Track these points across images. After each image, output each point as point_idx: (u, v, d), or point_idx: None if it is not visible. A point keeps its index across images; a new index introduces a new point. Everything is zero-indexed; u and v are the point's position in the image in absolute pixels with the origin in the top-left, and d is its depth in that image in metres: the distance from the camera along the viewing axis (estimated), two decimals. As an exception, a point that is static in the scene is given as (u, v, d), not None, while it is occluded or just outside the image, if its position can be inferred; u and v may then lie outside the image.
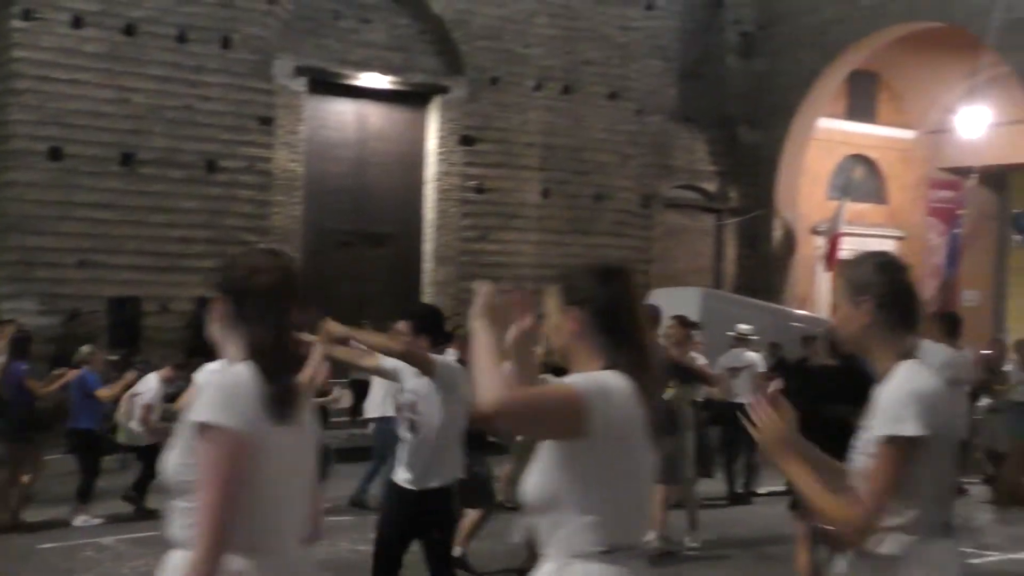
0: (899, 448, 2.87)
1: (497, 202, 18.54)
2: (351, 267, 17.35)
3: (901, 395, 2.92)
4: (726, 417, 11.49)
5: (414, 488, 5.65)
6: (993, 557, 9.43)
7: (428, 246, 18.25)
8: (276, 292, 2.88)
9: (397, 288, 17.46)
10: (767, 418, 3.03)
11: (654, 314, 10.30)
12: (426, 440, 5.67)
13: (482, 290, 2.93)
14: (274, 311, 2.87)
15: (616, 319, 2.88)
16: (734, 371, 12.27)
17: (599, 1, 19.35)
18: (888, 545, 2.92)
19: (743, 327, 12.62)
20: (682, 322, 10.22)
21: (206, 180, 16.18)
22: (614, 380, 2.75)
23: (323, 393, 11.03)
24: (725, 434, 12.10)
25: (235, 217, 16.35)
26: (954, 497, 3.22)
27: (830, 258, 21.29)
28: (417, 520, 5.67)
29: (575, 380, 2.74)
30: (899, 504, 2.91)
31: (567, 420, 2.68)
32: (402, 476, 5.72)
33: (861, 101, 23.41)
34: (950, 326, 10.15)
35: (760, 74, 21.31)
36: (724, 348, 12.58)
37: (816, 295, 22.18)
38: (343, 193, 17.70)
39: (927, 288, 23.01)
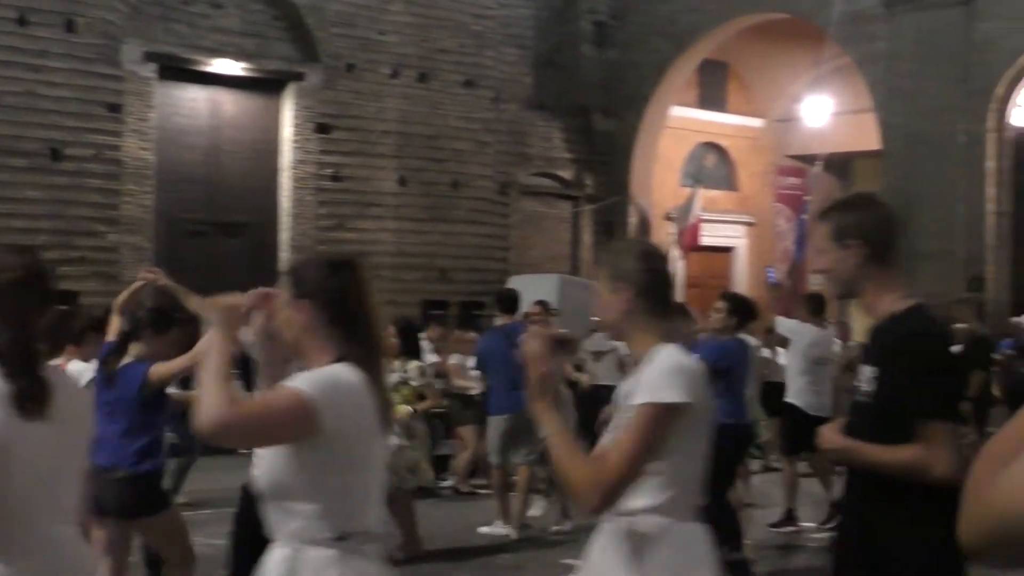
0: (657, 413, 2.88)
1: (354, 190, 18.40)
2: (205, 257, 16.99)
3: (663, 369, 2.95)
4: (590, 400, 11.66)
5: None
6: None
7: (284, 235, 18.01)
8: (18, 290, 2.84)
9: (253, 278, 17.14)
10: (536, 360, 2.99)
11: (513, 299, 10.41)
12: None
13: (223, 300, 2.95)
14: (15, 310, 2.83)
15: (345, 311, 2.91)
16: (598, 355, 12.46)
17: (454, -12, 19.35)
18: (640, 525, 2.92)
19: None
20: (544, 306, 10.39)
21: (51, 169, 15.64)
22: (344, 374, 2.79)
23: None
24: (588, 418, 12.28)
25: (82, 207, 15.86)
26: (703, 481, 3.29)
27: (688, 244, 21.77)
28: None
29: (301, 383, 2.75)
30: (654, 485, 2.91)
31: (295, 427, 2.71)
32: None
33: (712, 90, 23.96)
34: (816, 306, 10.43)
35: (614, 63, 21.60)
36: (582, 333, 12.75)
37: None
38: (196, 182, 17.32)
39: (778, 272, 23.70)
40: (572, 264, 21.17)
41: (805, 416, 9.63)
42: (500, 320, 10.59)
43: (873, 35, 18.66)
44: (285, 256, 18.01)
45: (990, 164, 17.89)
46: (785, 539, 9.72)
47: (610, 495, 2.84)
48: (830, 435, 3.27)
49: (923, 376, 3.06)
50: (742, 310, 8.27)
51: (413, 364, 8.79)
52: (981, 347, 11.76)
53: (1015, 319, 15.21)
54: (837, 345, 12.60)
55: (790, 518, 9.92)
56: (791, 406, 9.98)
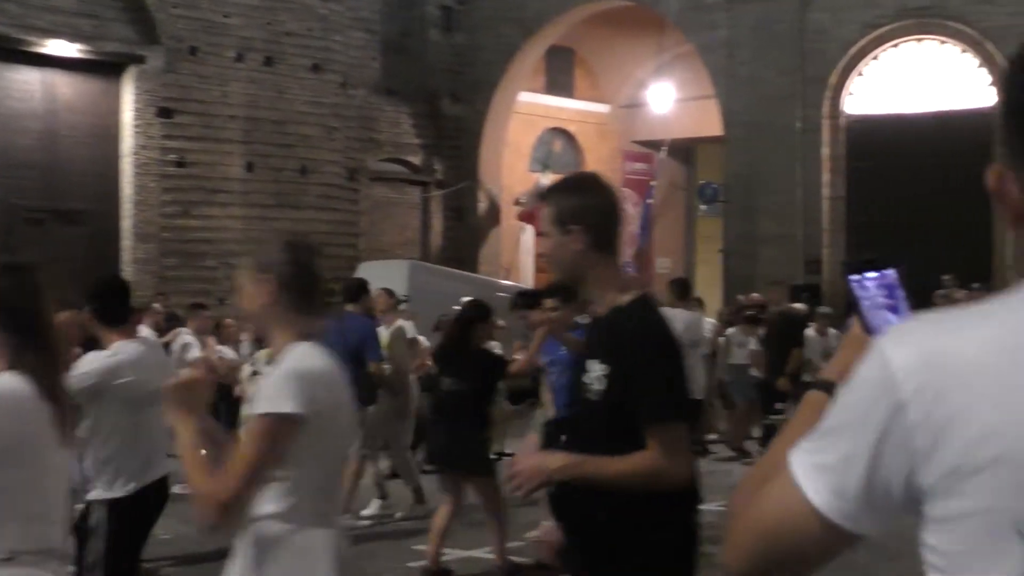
0: (272, 425, 2.79)
1: (199, 176, 18.01)
2: (43, 246, 16.41)
3: (283, 375, 2.86)
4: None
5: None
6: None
7: (127, 223, 17.52)
8: None
9: (94, 267, 16.66)
10: (181, 379, 2.99)
11: (358, 288, 10.35)
12: None
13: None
14: None
15: (15, 317, 2.87)
16: None
17: (299, -29, 19.08)
18: (262, 531, 2.87)
19: (467, 300, 12.83)
20: (388, 293, 10.36)
21: None
22: (9, 383, 2.80)
23: None
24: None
25: (-92, 194, 15.16)
26: (338, 486, 3.26)
27: (532, 223, 21.96)
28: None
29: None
30: (277, 492, 2.85)
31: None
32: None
33: (559, 76, 24.21)
34: (681, 290, 10.59)
35: (462, 48, 21.63)
36: (434, 319, 12.75)
37: (520, 265, 22.82)
38: (31, 168, 16.69)
39: (624, 256, 24.10)
40: (423, 250, 21.16)
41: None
42: (348, 308, 10.53)
43: (714, 24, 19.12)
44: (128, 244, 17.54)
45: (825, 151, 18.53)
46: None
47: (227, 511, 2.74)
48: (541, 462, 3.01)
49: (656, 376, 2.93)
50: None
51: (263, 352, 8.62)
52: (794, 325, 12.15)
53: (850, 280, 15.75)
54: (708, 326, 12.94)
55: None
56: None
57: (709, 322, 14.33)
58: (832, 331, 12.21)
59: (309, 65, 19.29)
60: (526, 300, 9.01)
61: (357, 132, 20.15)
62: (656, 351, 2.97)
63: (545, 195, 3.26)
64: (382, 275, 13.01)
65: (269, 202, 18.72)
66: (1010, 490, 1.10)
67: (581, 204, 3.06)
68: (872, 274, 1.39)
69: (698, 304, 14.54)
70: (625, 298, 3.03)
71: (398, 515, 9.77)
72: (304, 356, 2.90)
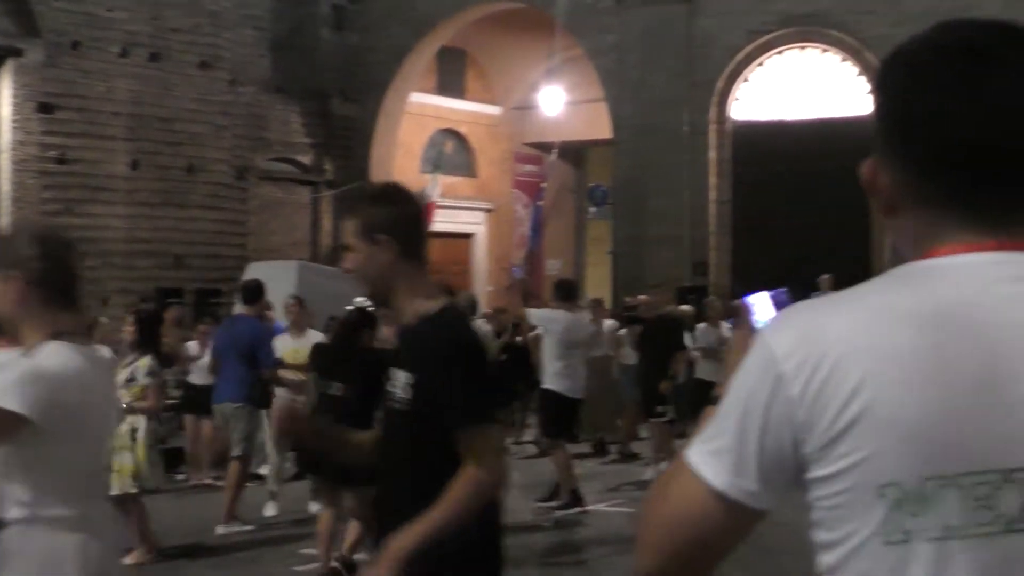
0: None
1: (82, 173, 17.58)
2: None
3: (17, 373, 2.77)
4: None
5: None
6: (596, 508, 10.15)
7: (5, 220, 17.01)
8: None
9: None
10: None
11: (256, 290, 10.23)
12: None
13: None
14: None
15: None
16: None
17: (187, -34, 18.76)
18: (5, 536, 2.80)
19: (359, 300, 12.74)
20: (300, 302, 10.36)
21: None
22: None
23: None
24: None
25: None
26: (100, 491, 3.23)
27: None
28: None
29: None
30: (20, 496, 2.79)
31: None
32: None
33: (450, 77, 24.22)
34: (567, 292, 10.71)
35: (353, 47, 21.50)
36: (323, 320, 12.64)
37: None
38: (-97, 163, 16.14)
39: (515, 257, 24.24)
40: (312, 251, 20.97)
41: (563, 399, 10.03)
42: (242, 310, 10.42)
43: (603, 28, 19.32)
44: (5, 243, 17.02)
45: (712, 155, 18.87)
46: (574, 518, 9.91)
47: None
48: (386, 559, 2.82)
49: (461, 382, 2.90)
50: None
51: (143, 361, 8.40)
52: (674, 328, 12.35)
53: (735, 302, 16.11)
54: (590, 329, 13.04)
55: (576, 499, 10.10)
56: (549, 391, 10.25)
57: (610, 323, 14.52)
58: (724, 323, 12.40)
59: (197, 62, 18.98)
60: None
61: (246, 130, 19.89)
62: (460, 358, 2.93)
63: (348, 208, 3.22)
64: (271, 276, 12.85)
65: (155, 200, 18.36)
66: (873, 447, 1.21)
67: (388, 214, 3.02)
68: (764, 293, 1.53)
69: (596, 305, 14.74)
70: (432, 307, 3.00)
71: (285, 519, 9.68)
72: (50, 356, 2.79)
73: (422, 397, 2.92)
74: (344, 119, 21.56)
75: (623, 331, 14.07)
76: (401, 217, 3.04)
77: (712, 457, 1.30)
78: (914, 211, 1.32)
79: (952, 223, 1.29)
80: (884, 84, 1.34)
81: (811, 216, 17.67)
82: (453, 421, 2.88)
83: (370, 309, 8.36)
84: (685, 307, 14.20)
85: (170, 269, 18.45)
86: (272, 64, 20.40)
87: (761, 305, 1.54)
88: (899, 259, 1.36)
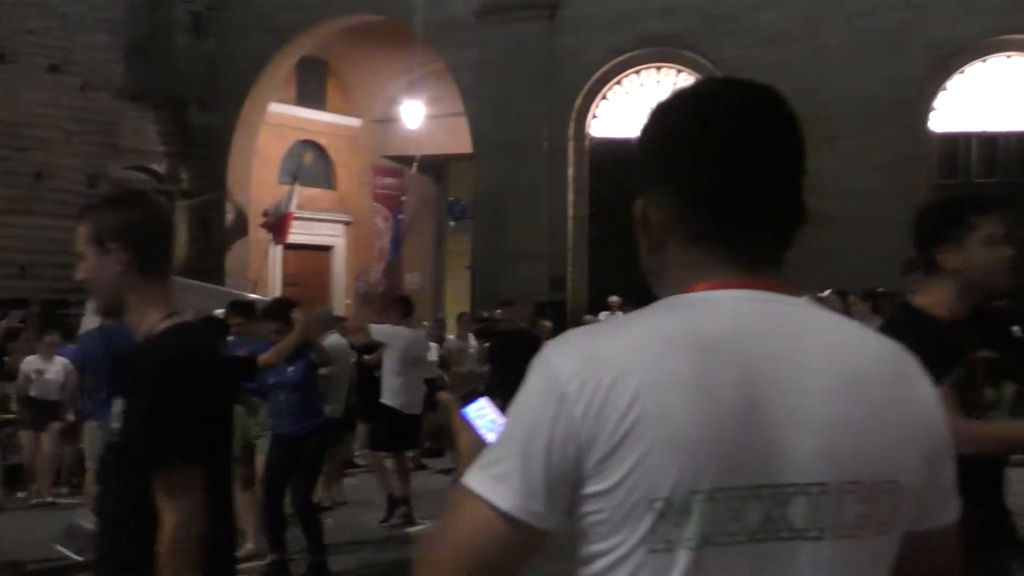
0: None
1: (-79, 178, 16.89)
2: None
3: None
4: None
5: None
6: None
7: None
8: None
9: None
10: None
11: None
12: None
13: None
14: None
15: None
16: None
17: (37, -33, 18.20)
18: None
19: (218, 312, 12.54)
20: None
21: None
22: None
23: None
24: None
25: None
26: None
27: (279, 237, 21.75)
28: None
29: None
30: None
31: None
32: None
33: (310, 88, 24.00)
34: (405, 308, 10.75)
35: (211, 55, 21.15)
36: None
37: (268, 278, 22.46)
38: None
39: (374, 271, 24.13)
40: (166, 261, 20.51)
41: (400, 415, 10.03)
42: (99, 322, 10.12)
43: (464, 42, 19.41)
44: None
45: (570, 171, 19.11)
46: (392, 532, 9.87)
47: None
48: None
49: (166, 413, 2.56)
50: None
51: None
52: (532, 345, 12.48)
53: (589, 317, 16.33)
54: (432, 346, 13.11)
55: (405, 513, 10.06)
56: (386, 407, 10.24)
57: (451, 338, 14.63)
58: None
59: (46, 65, 18.42)
60: (238, 310, 8.96)
61: (98, 137, 19.37)
62: (172, 387, 2.57)
63: (79, 214, 2.90)
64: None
65: (1, 208, 17.74)
66: (645, 463, 1.30)
67: (121, 220, 2.75)
68: (479, 402, 1.63)
69: (463, 319, 14.85)
70: (159, 326, 2.69)
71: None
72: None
73: (130, 428, 2.63)
74: (201, 128, 21.18)
75: (455, 342, 14.27)
76: (136, 223, 2.76)
77: (497, 482, 1.34)
78: (679, 249, 1.45)
79: (713, 262, 1.43)
80: (655, 129, 1.47)
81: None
82: (149, 457, 2.56)
83: (222, 318, 8.23)
84: (546, 322, 14.34)
85: (15, 279, 17.83)
86: (126, 70, 19.93)
87: (480, 413, 1.61)
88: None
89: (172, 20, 20.78)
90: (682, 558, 1.31)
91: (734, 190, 1.41)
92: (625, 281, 15.34)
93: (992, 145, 17.46)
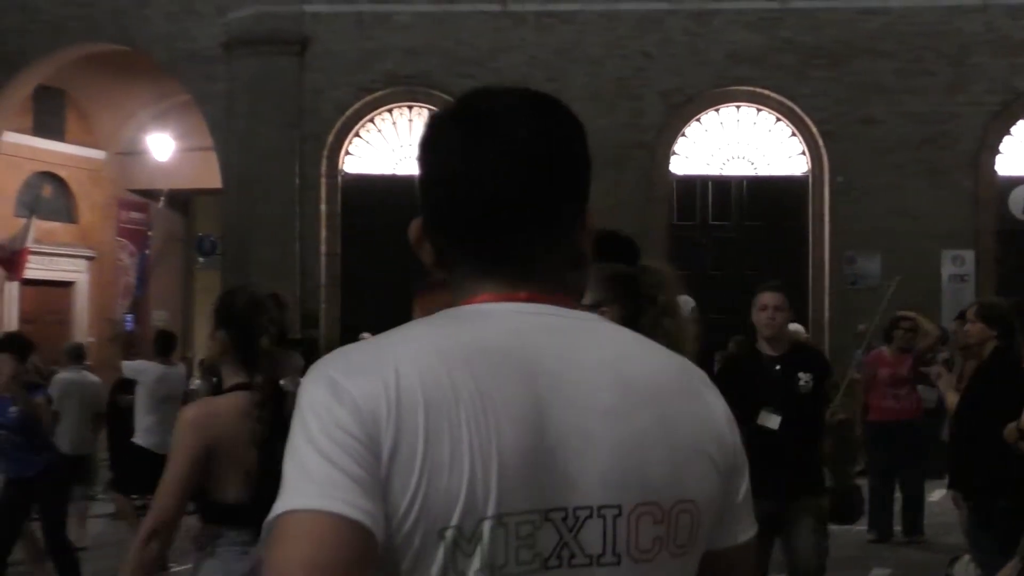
0: None
1: None
2: None
3: None
4: None
5: None
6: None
7: None
8: None
9: None
10: None
11: None
12: None
13: None
14: None
15: None
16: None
17: None
18: None
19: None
20: None
21: None
22: None
23: None
24: None
25: None
26: None
27: (14, 273, 20.73)
28: None
29: None
30: None
31: None
32: None
33: (48, 117, 22.96)
34: (164, 344, 10.51)
35: (-63, 81, 19.98)
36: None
37: (4, 315, 21.31)
38: None
39: (118, 308, 23.26)
40: None
41: (151, 455, 9.71)
42: None
43: (211, 75, 19.08)
44: None
45: (323, 207, 19.04)
46: None
47: None
48: None
49: None
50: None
51: None
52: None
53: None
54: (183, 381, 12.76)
55: None
56: (136, 446, 9.93)
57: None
58: None
59: None
60: None
61: None
62: None
63: None
64: None
65: None
66: (431, 484, 1.22)
67: None
68: None
69: (187, 362, 14.48)
70: None
71: None
72: None
73: None
74: (-74, 157, 19.95)
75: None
76: None
77: (320, 494, 1.19)
78: (450, 265, 1.41)
79: (482, 275, 1.38)
80: (420, 151, 1.44)
81: (417, 268, 18.21)
82: None
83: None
84: (299, 359, 14.19)
85: None
86: None
87: None
88: None
89: None
90: None
91: (476, 204, 1.35)
92: (378, 317, 15.36)
93: (726, 189, 18.56)
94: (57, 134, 23.22)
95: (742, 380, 5.91)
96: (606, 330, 1.40)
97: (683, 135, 18.55)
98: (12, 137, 21.45)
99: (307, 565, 1.15)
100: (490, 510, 1.23)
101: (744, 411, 5.18)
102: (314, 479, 1.20)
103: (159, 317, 23.82)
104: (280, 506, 1.20)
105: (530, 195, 1.37)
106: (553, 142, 1.40)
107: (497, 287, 1.37)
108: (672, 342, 3.01)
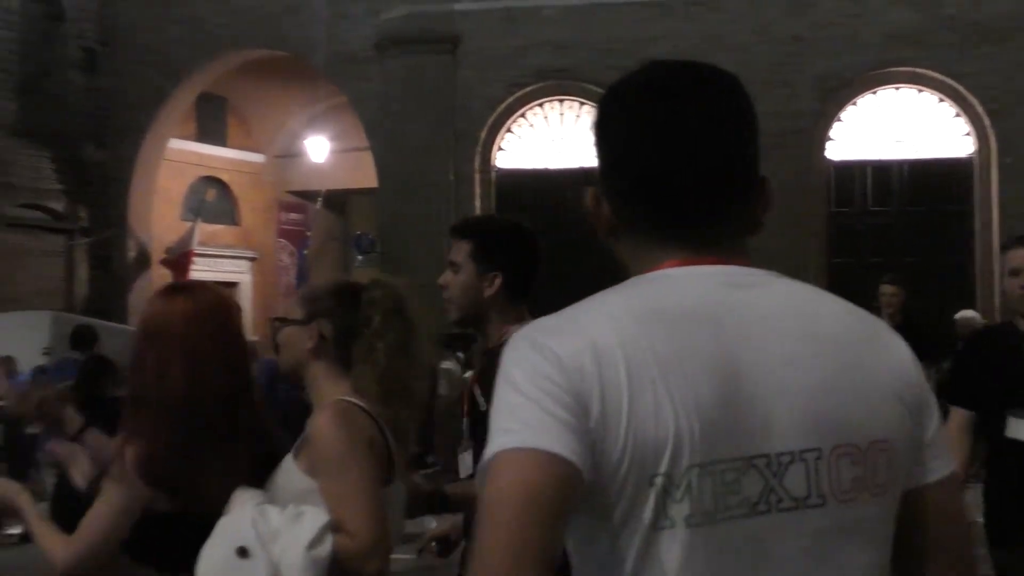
0: None
1: None
2: None
3: None
4: None
5: None
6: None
7: None
8: None
9: None
10: None
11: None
12: None
13: None
14: None
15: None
16: None
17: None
18: None
19: (97, 354, 12.30)
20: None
21: None
22: None
23: None
24: None
25: None
26: None
27: (180, 274, 21.41)
28: None
29: None
30: None
31: None
32: None
33: (211, 124, 23.75)
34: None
35: (106, 92, 20.82)
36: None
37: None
38: None
39: (279, 308, 23.88)
40: (66, 300, 20.09)
41: None
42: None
43: (365, 76, 19.40)
44: None
45: (477, 203, 19.18)
46: None
47: None
48: None
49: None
50: None
51: None
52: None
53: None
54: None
55: None
56: None
57: None
58: None
59: (-64, 104, 17.97)
60: None
61: (-9, 176, 18.92)
62: None
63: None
64: (20, 326, 12.26)
65: None
66: (638, 440, 1.29)
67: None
68: None
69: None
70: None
71: None
72: None
73: None
74: (97, 165, 20.81)
75: None
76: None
77: (533, 435, 1.28)
78: (633, 235, 1.47)
79: (671, 243, 1.43)
80: (601, 122, 1.50)
81: (574, 261, 18.18)
82: None
83: (104, 358, 8.21)
84: (458, 354, 14.29)
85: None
86: (19, 107, 19.53)
87: None
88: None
89: (65, 57, 20.42)
90: (686, 534, 1.30)
91: (669, 173, 1.42)
92: (535, 310, 15.37)
93: (885, 174, 17.99)
94: (219, 140, 24.00)
95: (994, 363, 4.22)
96: (789, 285, 1.46)
97: (838, 120, 18.05)
98: (177, 144, 22.23)
99: (522, 494, 1.25)
100: (696, 458, 1.30)
101: (993, 408, 4.09)
102: (525, 422, 1.29)
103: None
104: (494, 446, 1.30)
105: (719, 164, 1.44)
106: (736, 112, 1.49)
107: (682, 253, 1.43)
108: (381, 375, 2.73)
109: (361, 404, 2.70)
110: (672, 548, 1.30)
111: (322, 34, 19.59)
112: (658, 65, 1.51)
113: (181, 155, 22.61)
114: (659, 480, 1.29)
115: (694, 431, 1.30)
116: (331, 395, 2.73)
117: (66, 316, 17.25)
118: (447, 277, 3.39)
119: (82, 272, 20.63)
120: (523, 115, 19.32)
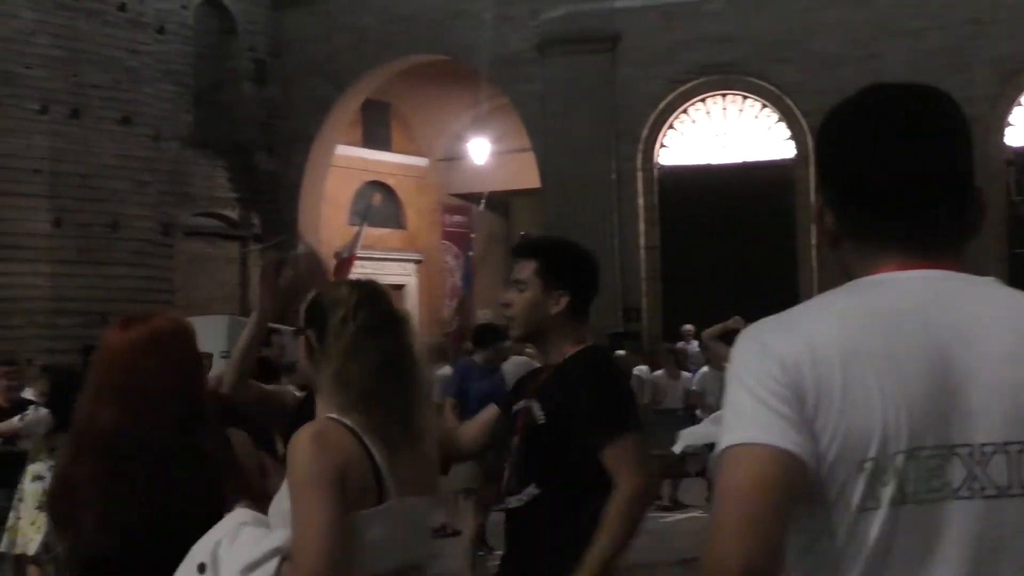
0: None
1: (1, 232, 17.24)
2: None
3: None
4: None
5: None
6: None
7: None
8: None
9: None
10: None
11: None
12: None
13: None
14: None
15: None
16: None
17: (105, 23, 18.54)
18: None
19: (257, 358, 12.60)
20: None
21: None
22: None
23: None
24: None
25: None
26: None
27: (340, 278, 21.81)
28: None
29: None
30: None
31: None
32: None
33: (375, 129, 24.18)
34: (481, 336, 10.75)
35: (275, 101, 21.41)
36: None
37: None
38: None
39: (447, 308, 24.16)
40: (242, 305, 20.73)
41: None
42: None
43: (527, 77, 19.45)
44: (-78, 305, 16.64)
45: (640, 201, 19.02)
46: None
47: None
48: None
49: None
50: None
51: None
52: None
53: (667, 345, 16.10)
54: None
55: None
56: None
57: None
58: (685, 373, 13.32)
59: (117, 118, 18.75)
60: None
61: (169, 186, 19.66)
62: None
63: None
64: (200, 330, 12.59)
65: (78, 258, 18.04)
66: (851, 427, 1.45)
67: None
68: None
69: None
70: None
71: None
72: None
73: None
74: (269, 173, 21.42)
75: None
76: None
77: (762, 431, 1.44)
78: (855, 242, 1.61)
79: (889, 249, 1.57)
80: (823, 140, 1.64)
81: (738, 258, 17.86)
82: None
83: (263, 359, 8.34)
84: (620, 352, 14.17)
85: (96, 327, 18.09)
86: (195, 119, 20.24)
87: None
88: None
89: (237, 68, 21.08)
90: (889, 513, 1.45)
91: (886, 183, 1.55)
92: (699, 309, 15.15)
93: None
94: (384, 145, 24.42)
95: None
96: (1001, 289, 1.58)
97: (1018, 104, 17.23)
98: (344, 150, 22.71)
99: (755, 484, 1.41)
100: (902, 444, 1.45)
101: None
102: (754, 420, 1.46)
103: (485, 316, 24.56)
104: (726, 441, 1.46)
105: (935, 175, 1.56)
106: (950, 126, 1.59)
107: (900, 258, 1.56)
108: (344, 382, 2.51)
109: (346, 422, 2.48)
110: (876, 526, 1.45)
111: (485, 37, 19.72)
112: (875, 86, 1.63)
113: (348, 161, 23.08)
114: (868, 465, 1.44)
115: (901, 420, 1.44)
116: (324, 410, 2.57)
117: (243, 320, 17.79)
118: (511, 296, 3.33)
119: (256, 278, 21.23)
120: (685, 111, 19.07)
